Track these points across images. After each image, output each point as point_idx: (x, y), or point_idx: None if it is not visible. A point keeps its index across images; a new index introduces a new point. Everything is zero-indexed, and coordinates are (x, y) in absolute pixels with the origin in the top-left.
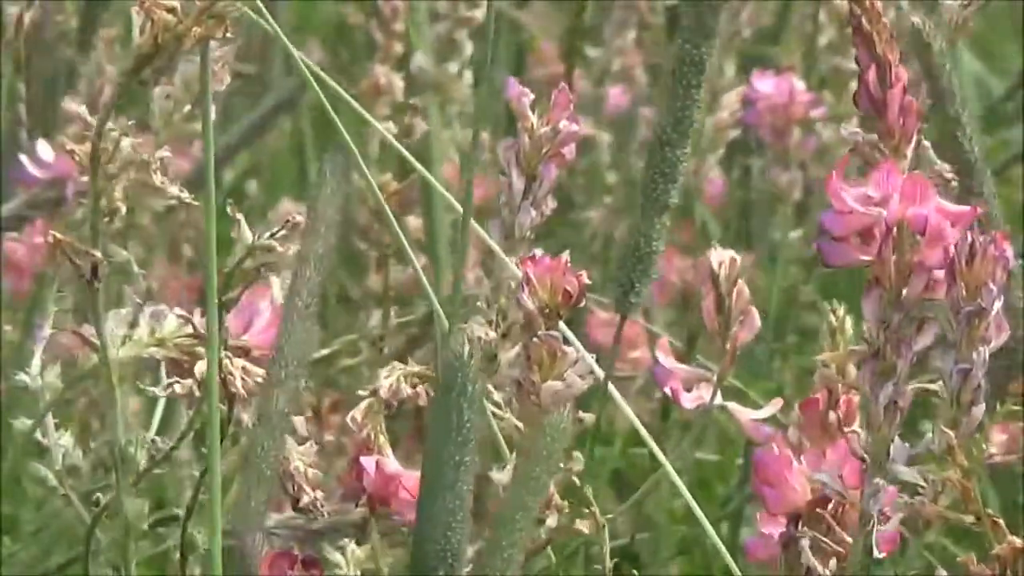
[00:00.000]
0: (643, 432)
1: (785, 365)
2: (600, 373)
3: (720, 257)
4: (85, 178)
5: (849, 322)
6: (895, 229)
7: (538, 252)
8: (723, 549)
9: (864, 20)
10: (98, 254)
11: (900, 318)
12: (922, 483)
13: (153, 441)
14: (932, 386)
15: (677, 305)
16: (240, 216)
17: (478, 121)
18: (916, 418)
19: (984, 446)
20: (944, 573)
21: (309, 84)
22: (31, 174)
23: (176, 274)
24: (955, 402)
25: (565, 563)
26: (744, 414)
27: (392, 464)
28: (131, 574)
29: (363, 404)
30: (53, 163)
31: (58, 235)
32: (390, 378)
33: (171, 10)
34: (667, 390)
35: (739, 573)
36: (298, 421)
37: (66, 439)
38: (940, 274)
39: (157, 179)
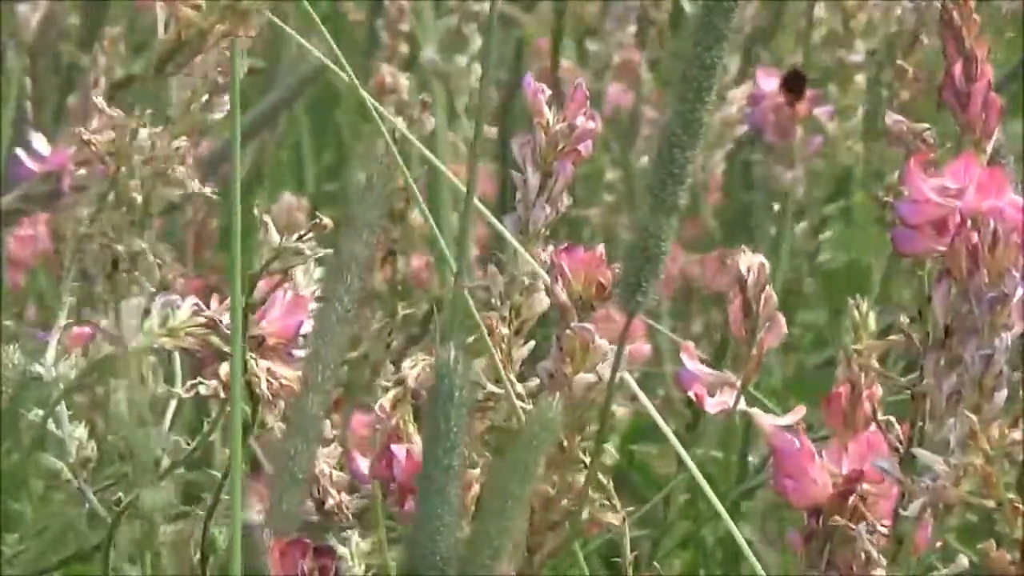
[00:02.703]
0: (668, 432)
1: (788, 358)
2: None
3: (749, 262)
4: (83, 171)
5: (872, 316)
6: (969, 221)
7: (550, 249)
8: (744, 544)
9: (955, 15)
10: (120, 247)
11: (968, 310)
12: (944, 468)
13: (175, 442)
14: None
15: (678, 300)
16: (268, 218)
17: (480, 111)
18: None
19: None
20: (966, 560)
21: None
22: (27, 168)
23: (183, 273)
24: (977, 388)
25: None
26: (766, 420)
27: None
28: (148, 567)
29: (390, 393)
30: (49, 156)
31: (84, 228)
32: (416, 367)
33: (195, 6)
34: (692, 395)
35: (759, 567)
36: (324, 424)
37: (80, 431)
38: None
39: (179, 171)
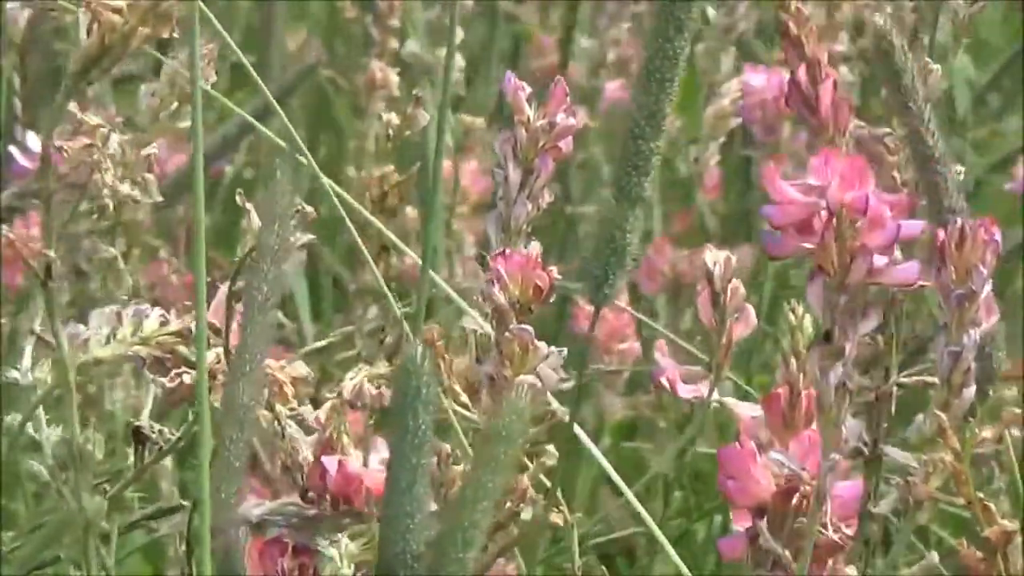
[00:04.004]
0: (581, 434)
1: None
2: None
3: (715, 256)
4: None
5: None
6: (836, 215)
7: (535, 246)
8: (673, 555)
9: (791, 24)
10: (51, 254)
11: (845, 302)
12: (914, 465)
13: (160, 431)
14: (931, 379)
15: (669, 295)
16: (249, 206)
17: (444, 105)
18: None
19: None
20: (935, 557)
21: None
22: (21, 165)
23: (176, 269)
24: (946, 384)
25: (557, 557)
26: (741, 409)
27: (354, 463)
28: (92, 572)
29: (326, 404)
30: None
31: (11, 236)
32: (355, 379)
33: (117, 10)
34: (663, 381)
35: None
36: (307, 411)
37: (57, 433)
38: (881, 258)
39: (147, 178)
